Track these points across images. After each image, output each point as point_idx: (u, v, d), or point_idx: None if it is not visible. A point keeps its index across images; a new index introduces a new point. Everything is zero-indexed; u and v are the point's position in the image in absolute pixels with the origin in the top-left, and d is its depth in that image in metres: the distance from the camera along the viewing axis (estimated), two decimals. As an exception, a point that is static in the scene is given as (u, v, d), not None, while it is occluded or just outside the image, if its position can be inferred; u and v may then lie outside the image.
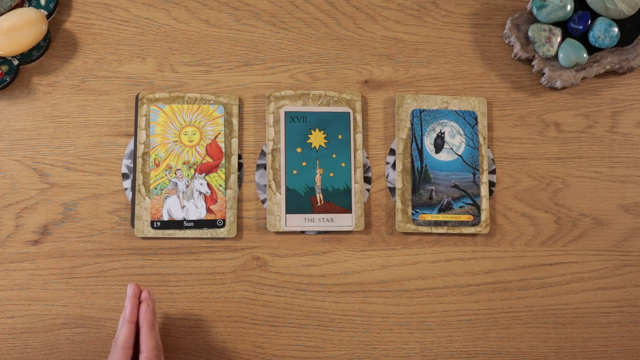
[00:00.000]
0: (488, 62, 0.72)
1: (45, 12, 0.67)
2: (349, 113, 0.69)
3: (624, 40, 0.70)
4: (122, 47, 0.68)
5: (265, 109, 0.69)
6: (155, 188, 0.66)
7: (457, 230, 0.68)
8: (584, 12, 0.69)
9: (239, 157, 0.68)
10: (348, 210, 0.67)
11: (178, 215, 0.65)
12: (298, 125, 0.68)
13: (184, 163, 0.66)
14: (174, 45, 0.69)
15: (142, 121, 0.66)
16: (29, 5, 0.67)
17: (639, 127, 0.72)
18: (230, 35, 0.70)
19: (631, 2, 0.69)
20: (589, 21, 0.69)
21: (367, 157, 0.69)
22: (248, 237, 0.67)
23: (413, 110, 0.69)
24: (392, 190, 0.69)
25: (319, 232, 0.67)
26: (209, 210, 0.66)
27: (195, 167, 0.66)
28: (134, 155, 0.66)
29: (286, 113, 0.68)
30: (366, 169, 0.69)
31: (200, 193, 0.66)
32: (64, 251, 0.65)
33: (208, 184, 0.66)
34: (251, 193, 0.68)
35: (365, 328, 0.67)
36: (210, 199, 0.66)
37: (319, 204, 0.67)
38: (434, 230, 0.68)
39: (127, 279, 0.65)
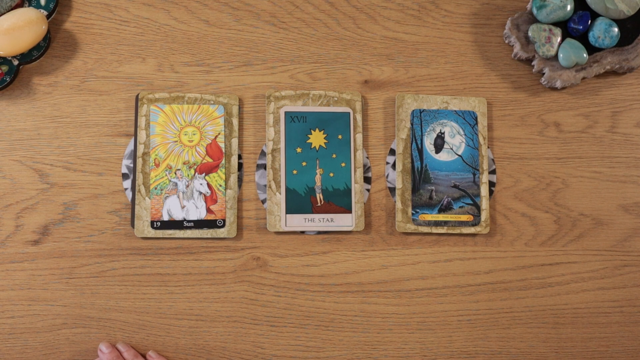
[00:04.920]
0: (488, 62, 0.72)
1: (45, 12, 0.67)
2: (349, 113, 0.68)
3: (624, 40, 0.70)
4: (122, 47, 0.68)
5: (265, 109, 0.69)
6: (155, 188, 0.65)
7: (457, 230, 0.68)
8: (584, 12, 0.69)
9: (239, 157, 0.68)
10: (348, 210, 0.67)
11: (178, 215, 0.65)
12: (298, 125, 0.68)
13: (184, 163, 0.66)
14: (174, 45, 0.69)
15: (142, 121, 0.66)
16: (29, 5, 0.67)
17: (639, 127, 0.72)
18: (230, 35, 0.70)
19: (631, 2, 0.69)
20: (589, 21, 0.69)
21: (367, 157, 0.69)
22: (248, 237, 0.67)
23: (413, 110, 0.69)
24: (392, 190, 0.69)
25: (319, 232, 0.67)
26: (209, 210, 0.66)
27: (195, 167, 0.66)
28: (134, 155, 0.66)
29: (286, 113, 0.68)
30: (366, 169, 0.69)
31: (200, 193, 0.66)
32: (64, 251, 0.65)
33: (208, 184, 0.66)
34: (251, 193, 0.68)
35: (365, 328, 0.67)
36: (210, 199, 0.66)
37: (319, 204, 0.67)
38: (434, 230, 0.68)
39: (127, 279, 0.65)
